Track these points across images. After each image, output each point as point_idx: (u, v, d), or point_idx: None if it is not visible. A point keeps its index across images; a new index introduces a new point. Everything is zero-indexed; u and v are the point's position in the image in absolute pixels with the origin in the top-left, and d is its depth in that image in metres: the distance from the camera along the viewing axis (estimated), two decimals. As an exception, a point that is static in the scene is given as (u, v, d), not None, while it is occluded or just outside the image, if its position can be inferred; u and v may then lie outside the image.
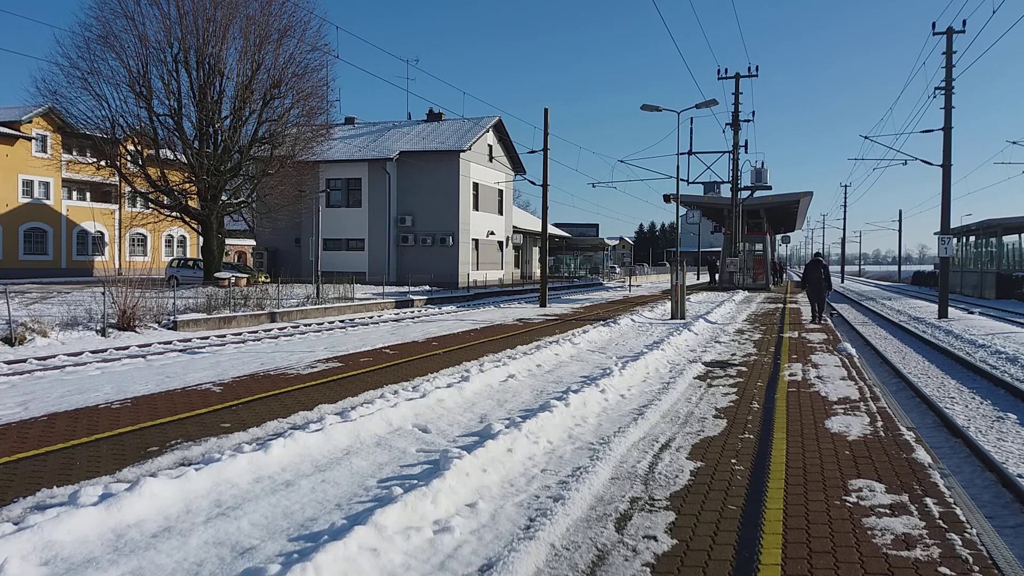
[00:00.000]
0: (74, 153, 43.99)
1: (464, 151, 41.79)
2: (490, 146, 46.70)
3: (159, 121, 30.85)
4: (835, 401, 8.59)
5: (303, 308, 23.51)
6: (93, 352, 14.04)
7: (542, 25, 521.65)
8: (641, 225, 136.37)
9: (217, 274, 30.44)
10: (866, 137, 57.17)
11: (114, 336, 16.59)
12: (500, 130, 47.95)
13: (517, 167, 50.92)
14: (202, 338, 17.02)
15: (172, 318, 18.73)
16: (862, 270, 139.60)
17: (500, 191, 48.47)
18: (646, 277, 74.06)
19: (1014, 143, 40.93)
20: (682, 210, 41.91)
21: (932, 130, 28.43)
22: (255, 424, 7.23)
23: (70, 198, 46.31)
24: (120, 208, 47.92)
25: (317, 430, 6.60)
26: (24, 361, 12.63)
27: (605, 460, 5.95)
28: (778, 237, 70.59)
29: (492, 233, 47.23)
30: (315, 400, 8.44)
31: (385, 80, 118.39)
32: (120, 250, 48.36)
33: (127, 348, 14.79)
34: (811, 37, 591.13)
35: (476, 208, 44.47)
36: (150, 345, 15.38)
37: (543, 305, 26.96)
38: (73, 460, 6.01)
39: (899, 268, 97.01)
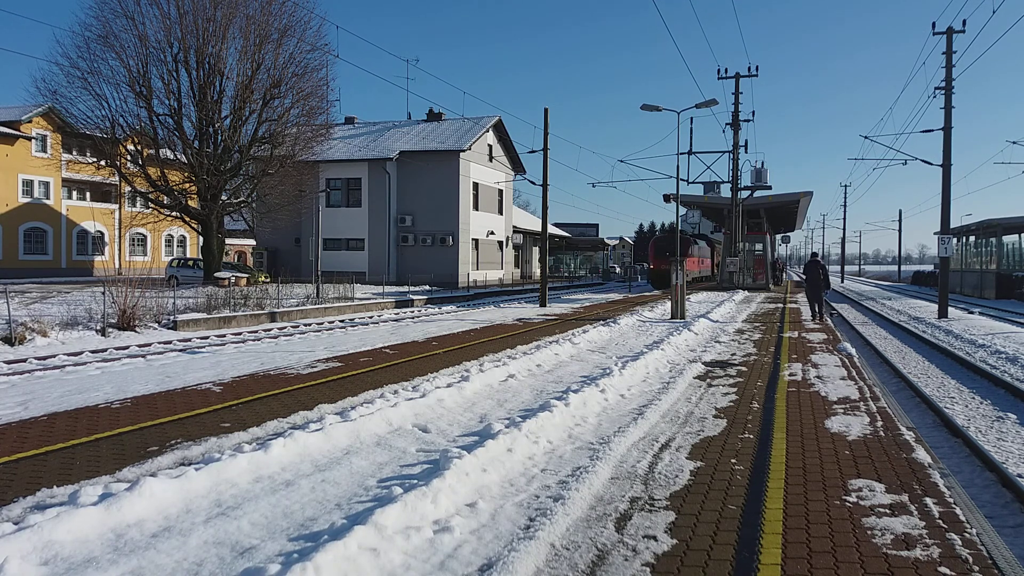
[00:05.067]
0: (74, 153, 43.95)
1: (464, 151, 41.76)
2: (490, 146, 46.68)
3: (159, 121, 30.82)
4: (835, 401, 8.59)
5: (303, 308, 23.50)
6: (93, 352, 14.04)
7: (542, 25, 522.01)
8: (641, 225, 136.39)
9: (217, 274, 30.42)
10: (866, 137, 57.18)
11: (114, 336, 16.59)
12: (500, 130, 47.93)
13: (517, 167, 50.89)
14: (202, 338, 17.02)
15: (172, 318, 18.73)
16: (862, 270, 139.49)
17: (500, 191, 48.46)
18: (646, 277, 74.01)
19: (1014, 143, 40.86)
20: (682, 210, 41.84)
21: (932, 130, 28.42)
22: (255, 424, 7.23)
23: (70, 198, 46.28)
24: (120, 208, 47.89)
25: (317, 430, 6.60)
26: (24, 361, 12.63)
27: (605, 460, 5.95)
28: (778, 237, 70.55)
29: (492, 233, 47.22)
30: (315, 400, 8.44)
31: (385, 80, 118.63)
32: (120, 250, 48.33)
33: (127, 348, 14.79)
34: (811, 38, 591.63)
35: (476, 208, 44.46)
36: (150, 345, 15.39)
37: (543, 305, 26.96)
38: (73, 460, 6.00)
39: (899, 268, 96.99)
